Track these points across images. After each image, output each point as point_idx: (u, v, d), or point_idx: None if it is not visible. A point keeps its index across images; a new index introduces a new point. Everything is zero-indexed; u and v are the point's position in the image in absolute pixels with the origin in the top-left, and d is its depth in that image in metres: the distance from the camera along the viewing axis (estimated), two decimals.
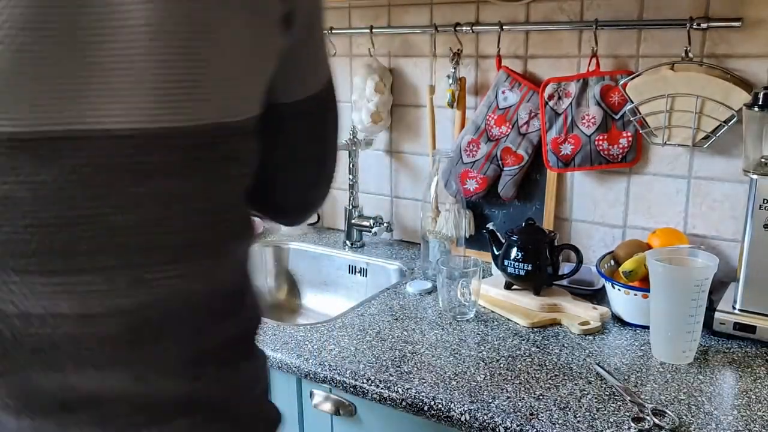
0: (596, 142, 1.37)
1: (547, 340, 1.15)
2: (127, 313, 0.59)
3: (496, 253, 1.31)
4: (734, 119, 1.21)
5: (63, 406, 0.60)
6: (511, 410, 0.93)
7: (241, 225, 0.69)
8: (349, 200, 1.70)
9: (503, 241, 1.31)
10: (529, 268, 1.26)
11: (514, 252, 1.28)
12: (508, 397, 0.96)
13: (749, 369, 1.05)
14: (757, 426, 0.89)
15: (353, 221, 1.68)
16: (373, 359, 1.09)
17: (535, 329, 1.20)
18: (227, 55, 0.59)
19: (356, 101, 1.64)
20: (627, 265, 1.20)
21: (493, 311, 1.28)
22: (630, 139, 1.35)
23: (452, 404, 0.95)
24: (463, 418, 0.94)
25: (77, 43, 0.53)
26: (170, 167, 0.58)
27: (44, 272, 0.56)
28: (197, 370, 0.66)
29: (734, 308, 1.14)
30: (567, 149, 1.39)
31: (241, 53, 0.60)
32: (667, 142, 1.30)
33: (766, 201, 1.09)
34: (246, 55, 0.61)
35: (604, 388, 0.99)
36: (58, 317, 0.57)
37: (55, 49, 0.52)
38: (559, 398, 0.96)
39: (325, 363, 1.08)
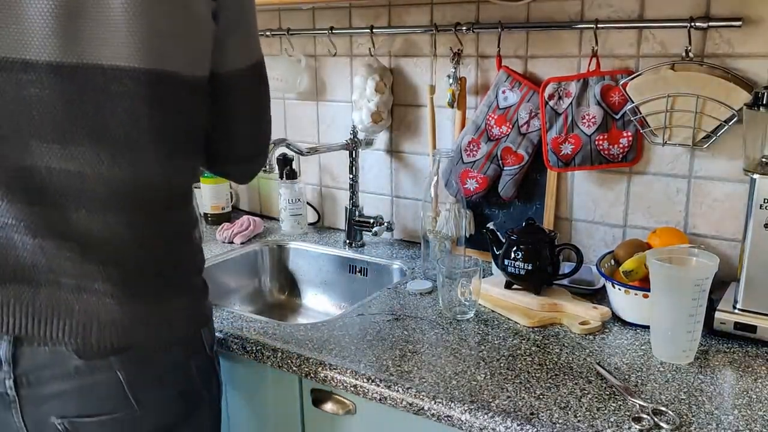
0: (596, 142, 1.37)
1: (548, 340, 1.15)
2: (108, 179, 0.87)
3: (497, 252, 1.31)
4: (735, 119, 1.21)
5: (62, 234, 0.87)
6: (511, 410, 0.93)
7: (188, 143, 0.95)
8: (350, 200, 1.70)
9: (503, 240, 1.31)
10: (530, 267, 1.26)
11: (514, 251, 1.28)
12: (509, 397, 0.96)
13: (750, 369, 1.05)
14: (757, 425, 0.89)
15: (354, 221, 1.68)
16: (374, 359, 1.09)
17: (536, 329, 1.20)
18: (181, 26, 0.86)
19: (357, 101, 1.64)
20: (627, 265, 1.20)
21: (493, 311, 1.28)
22: (630, 138, 1.35)
23: (452, 404, 0.95)
24: (463, 418, 0.94)
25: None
26: (137, 95, 0.85)
27: (62, 142, 0.84)
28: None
29: (735, 308, 1.14)
30: (567, 149, 1.39)
31: (184, 30, 0.87)
32: (668, 142, 1.30)
33: (766, 200, 1.09)
34: (190, 31, 0.88)
35: (605, 388, 0.99)
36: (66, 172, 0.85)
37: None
38: (559, 398, 0.96)
39: (326, 362, 1.08)
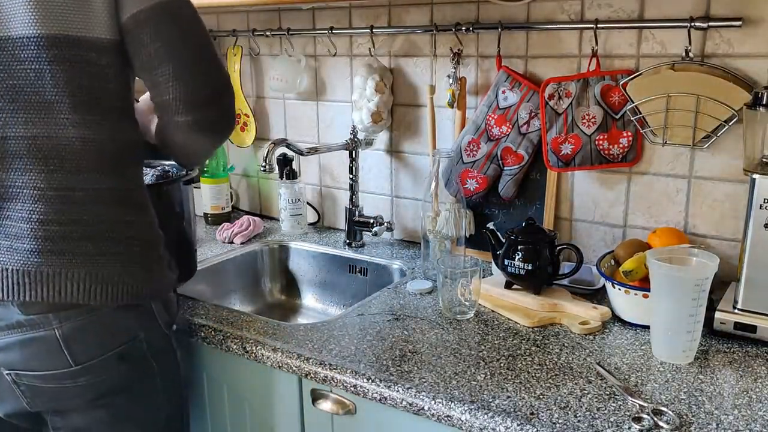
0: (596, 142, 1.37)
1: (548, 340, 1.15)
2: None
3: (497, 252, 1.31)
4: (734, 119, 1.21)
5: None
6: (512, 410, 0.93)
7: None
8: (350, 200, 1.70)
9: (503, 240, 1.31)
10: (530, 267, 1.26)
11: (514, 251, 1.28)
12: (509, 397, 0.96)
13: (750, 369, 1.05)
14: (757, 425, 0.89)
15: (354, 221, 1.68)
16: (374, 359, 1.09)
17: (536, 329, 1.20)
18: None
19: (357, 101, 1.64)
20: (627, 265, 1.20)
21: (493, 311, 1.28)
22: (630, 138, 1.35)
23: (452, 404, 0.95)
24: (463, 418, 0.94)
25: None
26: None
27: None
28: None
29: (735, 308, 1.14)
30: (567, 149, 1.39)
31: None
32: (668, 142, 1.30)
33: (766, 200, 1.09)
34: None
35: (605, 388, 0.99)
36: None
37: None
38: (559, 398, 0.96)
39: (326, 362, 1.08)
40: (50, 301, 0.95)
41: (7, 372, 0.98)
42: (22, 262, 0.94)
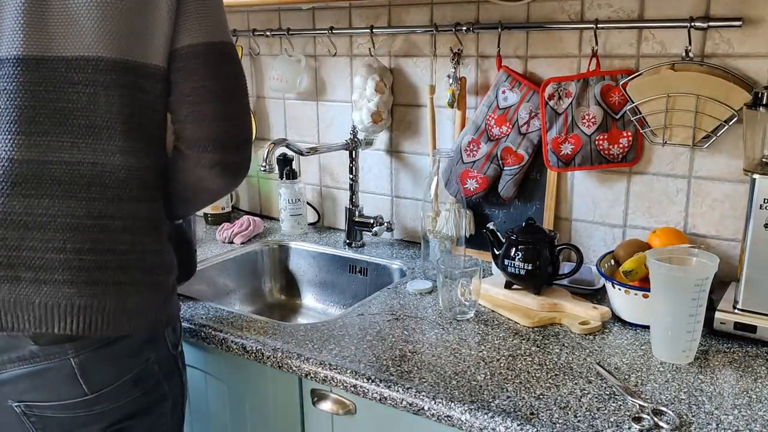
0: (596, 142, 1.37)
1: (548, 340, 1.15)
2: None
3: (497, 252, 1.31)
4: (734, 119, 1.21)
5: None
6: (512, 410, 0.93)
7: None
8: (350, 200, 1.70)
9: (503, 240, 1.31)
10: (530, 267, 1.26)
11: (514, 251, 1.28)
12: (509, 397, 0.96)
13: (750, 369, 1.05)
14: (757, 426, 0.89)
15: (354, 221, 1.68)
16: (374, 359, 1.09)
17: (536, 329, 1.20)
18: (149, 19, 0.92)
19: (357, 101, 1.64)
20: (627, 265, 1.20)
21: (493, 311, 1.28)
22: (630, 138, 1.35)
23: (452, 404, 0.95)
24: (463, 418, 0.94)
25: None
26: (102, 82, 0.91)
27: (26, 133, 0.90)
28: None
29: (735, 308, 1.14)
30: (567, 149, 1.39)
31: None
32: (668, 142, 1.30)
33: (766, 200, 1.09)
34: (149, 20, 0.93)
35: (605, 388, 0.99)
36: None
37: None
38: (559, 398, 0.96)
39: (326, 362, 1.08)
40: (73, 333, 0.91)
41: (16, 404, 0.94)
42: (51, 294, 0.90)
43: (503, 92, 1.46)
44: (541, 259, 1.26)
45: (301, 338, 1.17)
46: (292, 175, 1.77)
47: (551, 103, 1.39)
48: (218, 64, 0.97)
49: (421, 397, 0.98)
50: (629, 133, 1.35)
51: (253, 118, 1.05)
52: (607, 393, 0.98)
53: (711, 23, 1.22)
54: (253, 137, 1.03)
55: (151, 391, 1.02)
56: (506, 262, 1.29)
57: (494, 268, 1.38)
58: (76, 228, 0.91)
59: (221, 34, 0.99)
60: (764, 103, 1.10)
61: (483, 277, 1.33)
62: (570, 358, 1.08)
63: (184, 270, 1.39)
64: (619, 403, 0.95)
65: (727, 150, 1.28)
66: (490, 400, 0.96)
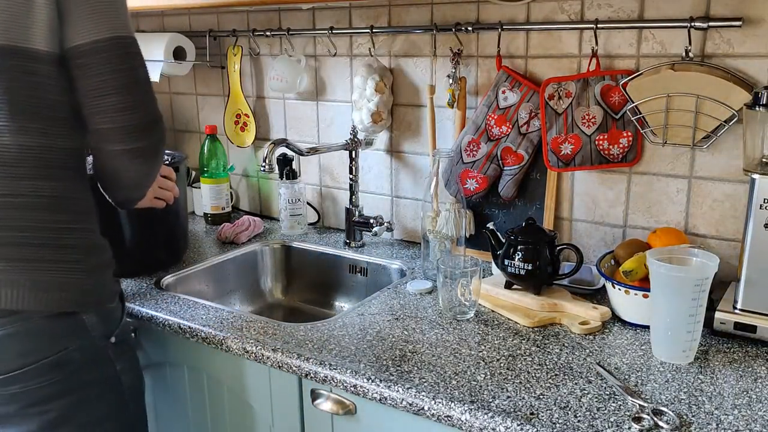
0: (596, 142, 1.37)
1: (548, 340, 1.15)
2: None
3: (497, 252, 1.31)
4: (734, 119, 1.21)
5: None
6: (511, 410, 0.93)
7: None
8: (350, 200, 1.70)
9: (503, 240, 1.31)
10: (530, 267, 1.26)
11: (514, 251, 1.28)
12: (509, 397, 0.96)
13: (750, 369, 1.05)
14: (757, 426, 0.89)
15: (354, 221, 1.68)
16: (374, 359, 1.09)
17: (536, 329, 1.20)
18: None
19: (357, 101, 1.64)
20: (627, 265, 1.20)
21: (493, 311, 1.28)
22: (630, 138, 1.35)
23: (452, 404, 0.95)
24: (463, 418, 0.94)
25: None
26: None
27: None
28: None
29: (735, 308, 1.14)
30: (567, 149, 1.39)
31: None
32: (668, 142, 1.30)
33: (766, 200, 1.09)
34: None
35: (605, 388, 0.99)
36: None
37: None
38: (559, 398, 0.96)
39: (326, 362, 1.08)
40: None
41: None
42: None
43: (503, 92, 1.46)
44: (541, 259, 1.26)
45: (301, 338, 1.17)
46: (292, 175, 1.77)
47: (551, 103, 1.39)
48: (117, 59, 1.00)
49: (421, 397, 0.98)
50: (629, 133, 1.35)
51: (157, 105, 1.08)
52: (607, 393, 0.98)
53: (711, 23, 1.22)
54: (161, 121, 1.08)
55: (71, 378, 1.05)
56: (506, 262, 1.29)
57: (494, 268, 1.38)
58: None
59: (120, 29, 1.01)
60: (764, 103, 1.10)
61: (483, 277, 1.33)
62: (570, 358, 1.08)
63: (172, 255, 1.53)
64: (619, 403, 0.95)
65: (727, 150, 1.28)
66: (490, 400, 0.96)
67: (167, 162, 1.54)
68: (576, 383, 1.00)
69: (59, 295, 1.01)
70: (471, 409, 0.94)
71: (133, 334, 1.26)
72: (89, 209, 1.08)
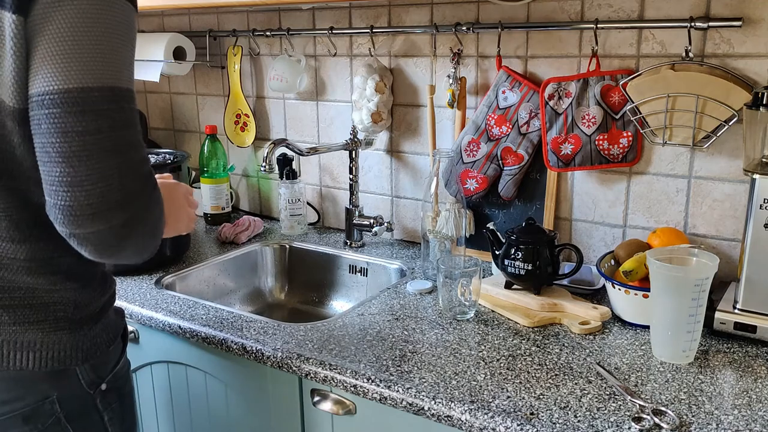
0: (596, 142, 1.37)
1: (548, 340, 1.15)
2: None
3: (497, 252, 1.31)
4: (735, 119, 1.21)
5: None
6: (511, 410, 0.93)
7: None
8: (350, 200, 1.70)
9: (503, 240, 1.31)
10: (530, 267, 1.26)
11: (514, 251, 1.28)
12: (509, 397, 0.96)
13: (750, 369, 1.05)
14: (757, 426, 0.89)
15: (353, 221, 1.68)
16: (374, 359, 1.09)
17: (536, 329, 1.20)
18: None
19: (357, 101, 1.64)
20: (627, 265, 1.20)
21: (493, 311, 1.28)
22: (630, 138, 1.35)
23: (452, 404, 0.95)
24: (463, 418, 0.94)
25: None
26: None
27: None
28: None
29: (735, 308, 1.14)
30: (567, 149, 1.39)
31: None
32: (668, 142, 1.30)
33: (766, 200, 1.09)
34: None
35: (605, 388, 0.99)
36: None
37: None
38: (559, 398, 0.96)
39: (326, 362, 1.08)
40: None
41: None
42: None
43: (503, 92, 1.46)
44: (541, 259, 1.26)
45: (301, 338, 1.17)
46: (292, 175, 1.77)
47: (551, 103, 1.39)
48: (73, 116, 0.78)
49: (421, 397, 0.98)
50: (629, 133, 1.35)
51: (132, 182, 0.84)
52: (607, 393, 0.98)
53: (711, 23, 1.22)
54: (131, 200, 0.85)
55: (45, 431, 0.94)
56: (506, 262, 1.29)
57: (494, 268, 1.38)
58: None
59: (85, 78, 0.79)
60: (764, 103, 1.10)
61: (483, 277, 1.33)
62: (570, 358, 1.08)
63: (172, 253, 1.51)
64: (619, 403, 0.95)
65: (727, 150, 1.28)
66: (490, 400, 0.96)
67: (168, 162, 1.54)
68: (576, 383, 1.00)
69: (46, 353, 0.91)
70: (471, 409, 0.94)
71: (131, 375, 1.11)
72: (73, 266, 0.95)
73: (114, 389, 1.01)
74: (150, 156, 1.41)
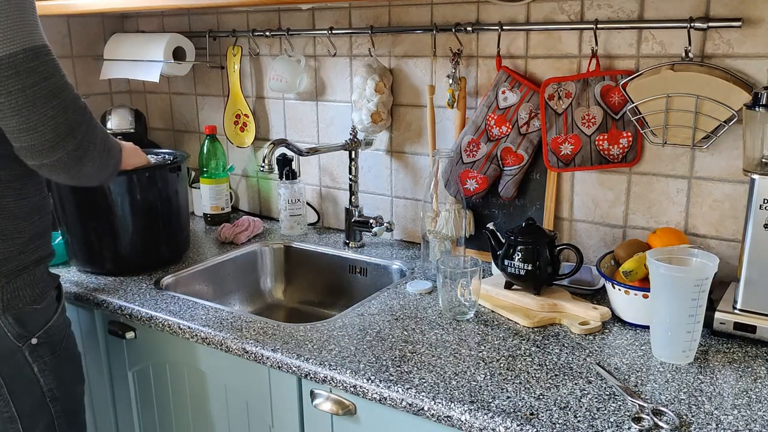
0: (596, 142, 1.37)
1: (547, 340, 1.15)
2: None
3: (497, 252, 1.31)
4: (734, 119, 1.21)
5: None
6: (511, 410, 0.93)
7: None
8: (350, 200, 1.70)
9: (503, 240, 1.31)
10: (529, 267, 1.26)
11: (514, 252, 1.28)
12: (508, 397, 0.96)
13: (749, 369, 1.05)
14: (757, 426, 0.89)
15: (353, 221, 1.68)
16: (373, 359, 1.09)
17: (535, 329, 1.20)
18: None
19: (356, 101, 1.64)
20: (627, 265, 1.20)
21: (493, 311, 1.28)
22: (630, 138, 1.35)
23: (452, 404, 0.95)
24: (463, 419, 0.94)
25: None
26: None
27: None
28: None
29: (734, 308, 1.14)
30: (567, 149, 1.39)
31: None
32: (668, 142, 1.30)
33: (766, 201, 1.09)
34: None
35: (605, 388, 0.99)
36: None
37: None
38: (559, 398, 0.96)
39: (326, 363, 1.08)
40: None
41: None
42: None
43: (503, 92, 1.46)
44: (541, 259, 1.26)
45: (300, 338, 1.17)
46: (291, 176, 1.77)
47: (551, 103, 1.39)
48: (10, 78, 0.97)
49: (421, 397, 0.98)
50: (629, 134, 1.35)
51: (68, 114, 1.04)
52: (607, 393, 0.98)
53: (711, 23, 1.22)
54: (71, 132, 1.04)
55: None
56: (506, 262, 1.29)
57: (494, 268, 1.38)
58: None
59: (9, 46, 0.96)
60: (764, 103, 1.10)
61: (483, 277, 1.33)
62: (570, 359, 1.08)
63: (172, 248, 1.57)
64: (619, 403, 0.95)
65: (727, 150, 1.28)
66: (490, 401, 0.96)
67: (167, 162, 1.54)
68: (576, 383, 1.00)
69: None
70: (471, 410, 0.94)
71: (70, 334, 1.24)
72: (10, 214, 1.10)
73: (47, 344, 1.16)
74: (150, 156, 1.53)
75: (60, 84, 1.02)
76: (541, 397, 0.97)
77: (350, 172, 1.69)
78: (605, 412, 0.93)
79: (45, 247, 1.19)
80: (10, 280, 1.11)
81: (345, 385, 1.05)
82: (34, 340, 1.13)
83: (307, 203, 1.86)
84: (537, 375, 1.03)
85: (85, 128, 1.05)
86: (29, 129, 1.00)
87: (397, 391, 1.00)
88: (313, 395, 1.13)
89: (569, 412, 0.92)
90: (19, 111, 0.98)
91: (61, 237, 1.55)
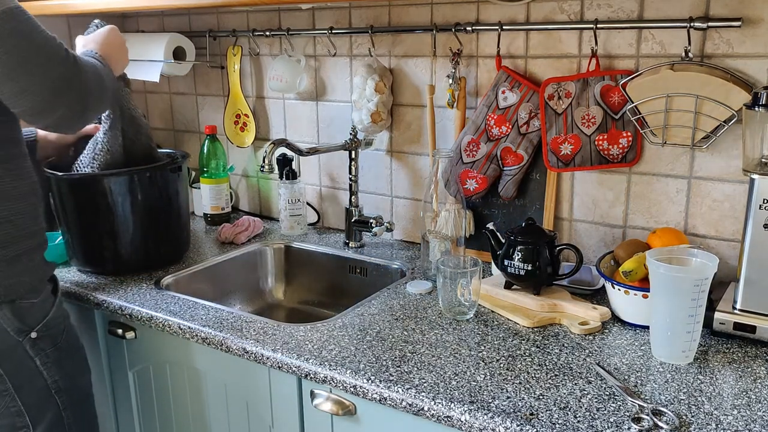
0: (596, 142, 1.37)
1: (547, 340, 1.15)
2: None
3: (497, 252, 1.31)
4: (734, 119, 1.21)
5: None
6: (511, 410, 0.93)
7: None
8: (350, 200, 1.70)
9: (503, 240, 1.31)
10: (529, 268, 1.26)
11: (514, 252, 1.28)
12: (508, 397, 0.97)
13: (749, 369, 1.05)
14: (757, 426, 0.89)
15: (353, 221, 1.68)
16: (373, 359, 1.09)
17: (535, 329, 1.20)
18: None
19: (356, 101, 1.64)
20: (627, 265, 1.20)
21: (493, 311, 1.28)
22: (630, 138, 1.35)
23: (452, 405, 0.95)
24: (463, 419, 0.94)
25: None
26: None
27: None
28: None
29: (734, 308, 1.14)
30: (567, 149, 1.39)
31: None
32: (667, 142, 1.30)
33: (766, 201, 1.09)
34: None
35: (604, 388, 0.99)
36: None
37: None
38: (559, 398, 0.96)
39: (326, 363, 1.08)
40: None
41: None
42: None
43: (503, 92, 1.46)
44: (541, 259, 1.26)
45: (300, 338, 1.17)
46: (292, 176, 1.77)
47: (551, 103, 1.39)
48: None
49: (421, 397, 0.98)
50: (629, 134, 1.35)
51: (56, 71, 1.04)
52: (607, 393, 0.98)
53: (710, 23, 1.22)
54: (63, 89, 1.04)
55: None
56: (506, 262, 1.29)
57: (494, 268, 1.38)
58: None
59: None
60: (764, 103, 1.10)
61: (483, 277, 1.33)
62: (570, 359, 1.08)
63: (172, 247, 1.57)
64: (618, 403, 0.95)
65: (727, 150, 1.28)
66: (490, 401, 0.96)
67: (167, 162, 1.54)
68: (576, 384, 1.00)
69: None
70: (471, 410, 0.94)
71: (70, 326, 1.26)
72: (8, 195, 1.10)
73: (47, 337, 1.16)
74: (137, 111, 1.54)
75: (41, 39, 1.02)
76: (541, 397, 0.97)
77: (350, 172, 1.69)
78: (605, 412, 0.93)
79: (41, 233, 1.19)
80: (10, 264, 1.11)
81: (345, 385, 1.05)
82: (33, 334, 1.14)
83: (307, 203, 1.86)
84: (537, 375, 1.03)
85: (79, 77, 1.06)
86: (22, 91, 1.01)
87: (397, 392, 1.00)
88: (313, 395, 1.13)
89: (569, 413, 0.92)
90: (9, 74, 0.99)
91: (61, 237, 1.55)
